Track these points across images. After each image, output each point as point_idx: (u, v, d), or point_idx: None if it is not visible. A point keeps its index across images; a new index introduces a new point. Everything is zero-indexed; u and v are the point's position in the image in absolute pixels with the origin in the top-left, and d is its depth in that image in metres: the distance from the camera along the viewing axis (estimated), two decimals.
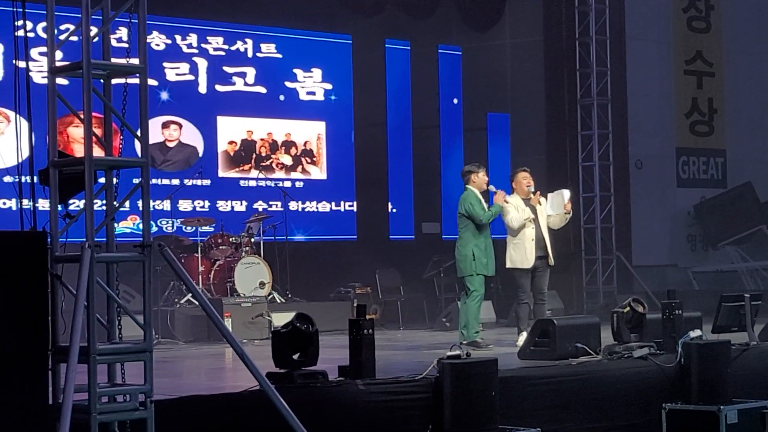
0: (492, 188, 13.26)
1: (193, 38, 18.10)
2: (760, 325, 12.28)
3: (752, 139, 23.27)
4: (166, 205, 16.98)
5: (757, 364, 11.25)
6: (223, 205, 18.20)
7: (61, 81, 7.52)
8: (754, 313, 11.71)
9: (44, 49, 7.57)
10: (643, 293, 18.60)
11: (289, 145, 18.97)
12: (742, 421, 10.15)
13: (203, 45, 18.20)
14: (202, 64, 18.17)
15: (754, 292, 13.63)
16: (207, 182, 18.01)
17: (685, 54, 22.80)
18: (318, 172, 19.30)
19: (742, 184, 22.87)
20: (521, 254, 13.11)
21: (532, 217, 13.14)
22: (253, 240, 16.52)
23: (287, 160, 18.94)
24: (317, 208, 19.23)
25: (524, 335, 12.45)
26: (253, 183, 18.56)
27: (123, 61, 7.46)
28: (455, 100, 21.16)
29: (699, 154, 22.97)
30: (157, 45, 17.68)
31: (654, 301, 17.49)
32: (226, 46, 18.41)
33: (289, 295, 16.78)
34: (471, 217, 12.93)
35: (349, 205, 19.63)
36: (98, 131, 7.35)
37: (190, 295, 14.40)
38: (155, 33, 17.60)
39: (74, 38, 7.32)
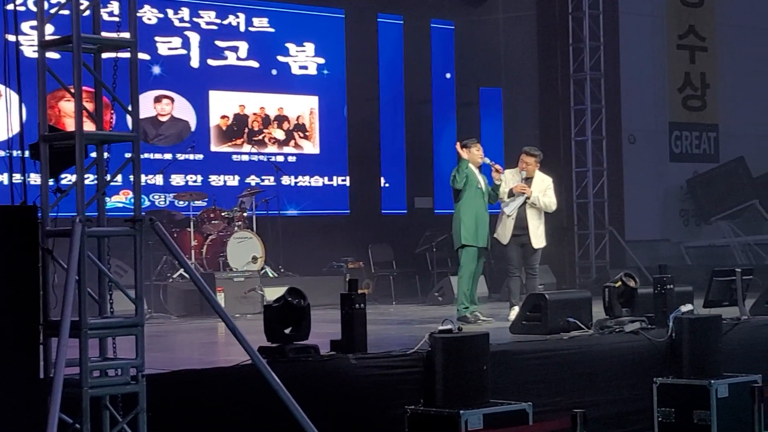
0: (487, 160, 13.23)
1: (185, 12, 18.05)
2: (751, 300, 12.31)
3: (744, 114, 23.27)
4: (159, 179, 16.98)
5: (747, 339, 11.28)
6: (216, 180, 18.19)
7: (53, 55, 7.49)
8: (745, 287, 11.74)
9: (35, 22, 7.54)
10: (635, 268, 18.64)
11: (281, 119, 18.95)
12: (733, 395, 10.17)
13: (195, 19, 18.15)
14: (194, 38, 18.13)
15: (746, 266, 13.69)
16: (199, 157, 17.98)
17: (678, 28, 22.79)
18: (311, 147, 19.29)
19: (735, 159, 22.91)
20: (502, 229, 13.17)
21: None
22: (245, 214, 16.51)
23: (280, 135, 18.92)
24: (310, 182, 19.22)
25: (516, 309, 12.49)
26: (245, 157, 18.54)
27: (113, 35, 7.43)
28: (448, 75, 21.13)
29: (691, 128, 22.99)
30: (149, 19, 17.63)
31: (646, 275, 17.51)
32: (218, 21, 18.37)
33: (282, 270, 16.79)
34: (451, 185, 12.95)
35: (342, 180, 19.63)
36: (89, 106, 7.33)
37: (183, 269, 14.41)
38: (147, 7, 17.55)
39: (65, 12, 7.29)
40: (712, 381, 10.15)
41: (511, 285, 13.24)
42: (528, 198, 13.06)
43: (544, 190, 13.20)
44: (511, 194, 13.12)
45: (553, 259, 17.94)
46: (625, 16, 21.47)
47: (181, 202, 16.86)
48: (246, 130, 18.57)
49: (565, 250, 20.22)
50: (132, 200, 7.39)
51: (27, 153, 7.28)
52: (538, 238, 13.14)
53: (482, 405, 8.73)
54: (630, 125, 21.65)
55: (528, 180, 13.21)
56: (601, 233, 20.64)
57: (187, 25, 18.08)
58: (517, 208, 13.09)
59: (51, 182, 7.21)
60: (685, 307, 10.82)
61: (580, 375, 10.01)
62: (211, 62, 18.27)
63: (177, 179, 17.72)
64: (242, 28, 18.61)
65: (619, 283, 10.98)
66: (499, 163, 13.47)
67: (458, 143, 13.28)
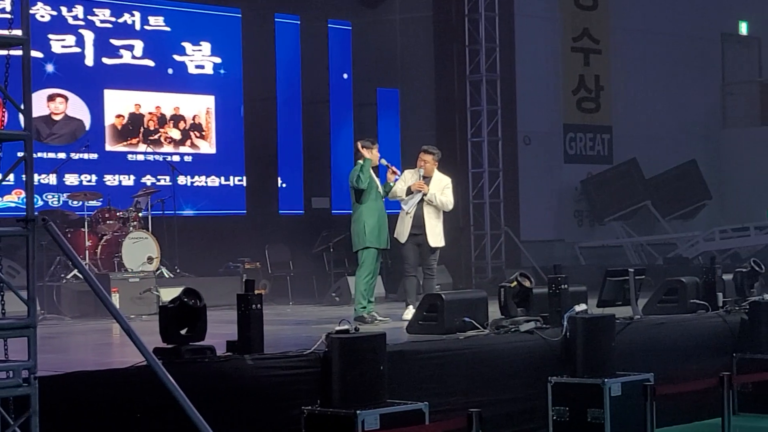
0: (384, 162, 13.26)
1: (79, 10, 17.84)
2: (644, 299, 12.50)
3: (637, 116, 23.64)
4: (52, 179, 16.77)
5: (640, 338, 11.44)
6: (111, 180, 18.00)
7: None
8: (637, 287, 11.89)
9: None
10: (530, 268, 18.84)
11: (177, 119, 18.81)
12: (626, 394, 10.30)
13: (90, 17, 17.95)
14: (89, 36, 17.93)
15: (638, 266, 13.88)
16: (94, 156, 17.78)
17: (573, 31, 23.06)
18: (207, 147, 19.18)
19: (628, 161, 23.26)
20: (400, 227, 13.20)
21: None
22: (141, 215, 16.37)
23: (176, 134, 18.79)
24: (206, 182, 19.11)
25: (411, 309, 12.59)
26: (141, 157, 18.37)
27: (5, 32, 7.31)
28: (345, 75, 21.15)
29: (586, 130, 23.28)
30: (42, 16, 17.40)
31: (541, 275, 17.71)
32: (113, 19, 18.18)
33: (178, 270, 16.67)
34: (353, 186, 12.93)
35: (239, 180, 19.55)
36: None
37: (77, 270, 14.23)
38: (40, 4, 17.33)
39: None
40: (606, 380, 10.27)
41: (407, 285, 13.30)
42: (425, 195, 13.11)
43: (441, 189, 13.25)
44: (409, 192, 13.16)
45: (449, 259, 18.03)
46: (520, 18, 21.68)
47: (75, 202, 16.65)
48: (141, 130, 18.41)
49: (461, 250, 20.33)
50: (24, 200, 7.29)
51: None
52: (435, 237, 13.19)
53: (379, 405, 8.74)
54: (525, 127, 21.87)
55: (426, 179, 13.27)
56: (497, 234, 20.80)
57: (82, 23, 17.87)
58: (415, 205, 13.13)
59: None
60: (579, 307, 10.94)
61: (476, 375, 10.07)
62: (106, 61, 18.08)
63: (71, 179, 17.51)
64: (138, 27, 18.44)
65: (515, 283, 11.06)
66: (396, 164, 13.52)
67: (359, 143, 13.26)
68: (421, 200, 13.14)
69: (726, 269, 13.26)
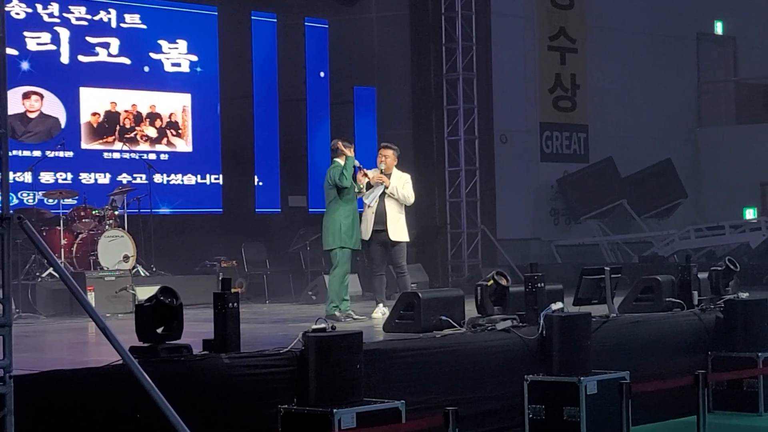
0: (357, 163, 13.29)
1: (54, 7, 17.77)
2: (620, 298, 12.54)
3: (613, 115, 23.71)
4: (27, 177, 16.69)
5: (616, 336, 11.47)
6: (87, 178, 17.94)
7: None
8: (613, 285, 11.93)
9: None
10: (506, 266, 18.86)
11: (153, 117, 18.76)
12: (601, 392, 10.33)
13: (65, 14, 17.88)
14: (64, 33, 17.86)
15: (614, 265, 13.94)
16: (69, 154, 17.72)
17: (549, 30, 23.11)
18: (183, 145, 19.13)
19: (604, 159, 23.32)
20: (364, 224, 13.26)
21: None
22: (116, 213, 16.33)
23: (152, 133, 18.73)
24: (182, 180, 19.07)
25: (381, 307, 12.68)
26: (117, 155, 18.32)
27: None
28: (322, 74, 21.13)
29: (562, 129, 23.34)
30: (18, 14, 17.33)
31: (517, 274, 17.73)
32: (88, 16, 18.12)
33: (154, 269, 16.64)
34: (336, 184, 12.93)
35: (215, 178, 19.51)
36: None
37: (52, 268, 14.19)
38: (15, 1, 17.26)
39: None
40: (582, 378, 10.30)
41: (375, 283, 13.42)
42: (386, 188, 13.17)
43: (402, 184, 13.34)
44: (369, 186, 13.22)
45: (425, 257, 18.06)
46: (497, 17, 21.71)
47: (51, 200, 16.60)
48: (117, 128, 18.35)
49: (437, 248, 20.36)
50: None
51: None
52: (397, 231, 13.23)
53: (355, 403, 8.74)
54: (502, 125, 21.90)
55: (386, 175, 13.34)
56: (474, 232, 20.83)
57: (57, 20, 17.80)
58: (377, 199, 13.18)
59: None
60: (556, 305, 10.96)
61: (453, 373, 10.08)
62: (81, 58, 18.02)
63: (46, 177, 17.45)
64: (114, 24, 18.38)
65: (491, 281, 11.07)
66: (373, 162, 13.56)
67: (339, 142, 13.22)
68: (383, 195, 13.20)
69: (701, 268, 13.30)
